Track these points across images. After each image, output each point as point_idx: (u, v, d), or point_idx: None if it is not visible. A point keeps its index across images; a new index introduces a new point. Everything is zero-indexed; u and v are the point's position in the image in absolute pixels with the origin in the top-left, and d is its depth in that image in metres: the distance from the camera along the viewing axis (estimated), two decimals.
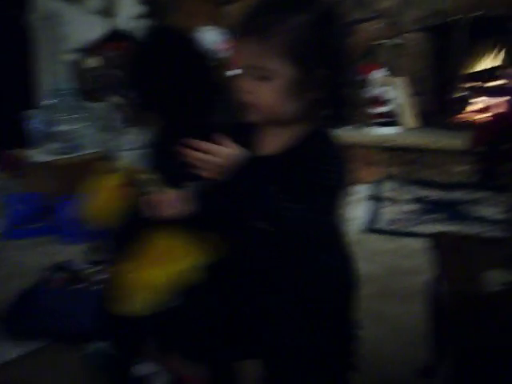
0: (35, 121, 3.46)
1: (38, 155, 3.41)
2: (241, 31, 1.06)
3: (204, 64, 1.48)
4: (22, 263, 2.65)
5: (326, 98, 1.06)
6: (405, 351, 1.89)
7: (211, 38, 4.17)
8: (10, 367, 1.81)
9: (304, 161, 1.05)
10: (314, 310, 1.16)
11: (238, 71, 1.07)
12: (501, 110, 3.80)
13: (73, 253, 2.69)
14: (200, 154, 0.99)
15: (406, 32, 4.29)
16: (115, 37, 3.97)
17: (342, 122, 1.15)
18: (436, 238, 1.73)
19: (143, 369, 1.70)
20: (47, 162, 3.32)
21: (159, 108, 1.50)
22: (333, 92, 1.06)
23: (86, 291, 2.25)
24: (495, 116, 3.67)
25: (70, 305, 2.06)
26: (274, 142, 1.11)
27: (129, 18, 4.28)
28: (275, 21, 1.01)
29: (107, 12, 4.25)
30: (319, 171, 1.04)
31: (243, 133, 1.15)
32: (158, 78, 1.44)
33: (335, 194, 1.10)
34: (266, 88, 1.04)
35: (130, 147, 3.52)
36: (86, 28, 4.02)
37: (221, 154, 1.00)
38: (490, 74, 4.22)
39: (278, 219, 1.04)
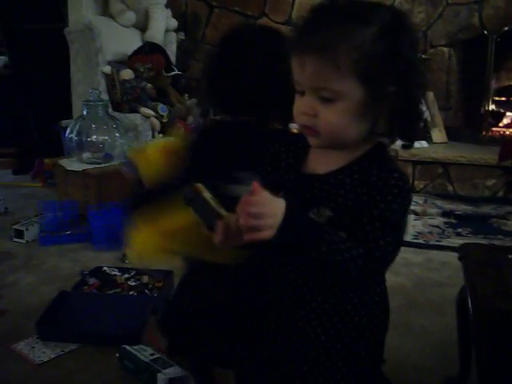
0: (70, 131, 3.54)
1: (72, 164, 3.48)
2: (299, 48, 0.93)
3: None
4: (54, 269, 2.71)
5: (394, 116, 0.95)
6: (432, 362, 1.89)
7: None
8: (46, 368, 1.86)
9: (363, 183, 0.94)
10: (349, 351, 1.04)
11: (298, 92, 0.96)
12: None
13: (104, 260, 2.76)
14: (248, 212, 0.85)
15: (435, 46, 4.31)
16: (148, 50, 4.05)
17: (409, 138, 1.01)
18: (463, 249, 1.73)
19: (171, 372, 1.74)
20: (80, 170, 3.38)
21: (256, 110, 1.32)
22: (402, 110, 0.94)
23: (119, 296, 2.31)
24: None
25: (104, 309, 2.10)
26: (329, 160, 1.00)
27: (161, 32, 4.37)
28: (339, 35, 0.90)
29: (141, 26, 4.34)
30: (385, 202, 0.92)
31: (297, 145, 1.05)
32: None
33: (400, 228, 0.96)
34: (331, 111, 0.93)
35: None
36: (120, 41, 4.12)
37: (268, 210, 0.87)
38: None
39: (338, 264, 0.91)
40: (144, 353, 1.81)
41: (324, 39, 0.90)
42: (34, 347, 1.97)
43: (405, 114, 0.95)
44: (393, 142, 0.99)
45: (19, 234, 3.10)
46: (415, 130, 1.00)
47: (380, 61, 0.90)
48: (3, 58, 5.14)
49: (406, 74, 0.92)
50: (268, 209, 0.86)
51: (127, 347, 1.84)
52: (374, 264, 0.92)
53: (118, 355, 1.84)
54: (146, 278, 2.39)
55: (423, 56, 4.25)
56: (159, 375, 1.70)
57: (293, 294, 1.03)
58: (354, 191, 0.95)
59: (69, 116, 4.21)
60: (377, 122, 0.96)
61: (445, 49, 4.33)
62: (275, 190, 0.93)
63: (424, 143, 4.01)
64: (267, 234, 0.86)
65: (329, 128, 0.94)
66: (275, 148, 1.09)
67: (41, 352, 1.94)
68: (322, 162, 1.01)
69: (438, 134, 4.18)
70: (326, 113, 0.93)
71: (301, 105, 0.96)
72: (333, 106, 0.92)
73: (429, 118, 4.13)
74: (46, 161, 4.33)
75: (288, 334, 1.05)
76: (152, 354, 1.81)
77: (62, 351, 1.94)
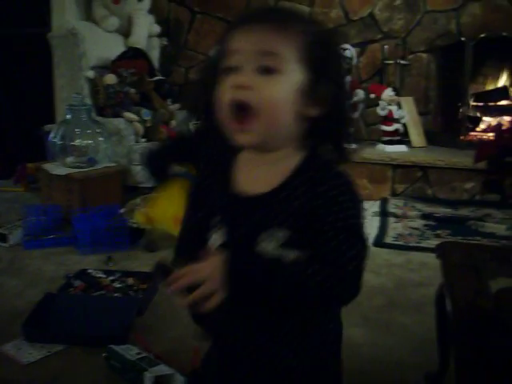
0: (53, 135, 3.55)
1: (55, 168, 3.49)
2: (249, 18, 0.89)
3: None
4: (39, 272, 2.71)
5: (329, 117, 0.89)
6: (412, 358, 1.93)
7: None
8: (33, 368, 1.87)
9: (312, 196, 0.86)
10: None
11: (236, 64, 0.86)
12: (505, 128, 3.88)
13: (88, 263, 2.77)
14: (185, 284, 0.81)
15: (415, 52, 4.39)
16: (131, 55, 4.08)
17: (343, 148, 0.95)
18: (441, 248, 1.77)
19: (157, 370, 1.75)
20: (64, 175, 3.39)
21: None
22: (337, 111, 0.90)
23: (105, 297, 2.33)
24: (497, 132, 3.76)
25: (90, 310, 2.12)
26: (262, 177, 0.91)
27: (144, 37, 4.39)
28: (294, 19, 0.89)
29: (124, 31, 4.36)
30: (339, 211, 0.86)
31: (222, 164, 0.96)
32: None
33: (362, 235, 0.89)
34: (272, 83, 0.84)
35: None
36: (104, 46, 4.13)
37: (205, 272, 0.81)
38: (497, 94, 4.30)
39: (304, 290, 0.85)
40: (130, 352, 1.83)
41: (277, 14, 0.91)
42: (20, 348, 1.98)
43: (335, 118, 0.91)
44: (320, 145, 0.93)
45: (2, 237, 3.10)
46: (344, 134, 0.95)
47: (323, 54, 0.87)
48: None
49: (339, 77, 0.91)
50: (202, 274, 0.81)
51: (114, 347, 1.86)
52: (349, 268, 0.85)
53: (104, 355, 1.86)
54: (130, 280, 2.42)
55: (402, 62, 4.33)
56: (146, 374, 1.71)
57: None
58: (304, 205, 0.86)
59: (51, 121, 4.22)
60: (314, 123, 0.90)
61: (424, 55, 4.40)
62: (209, 205, 0.93)
63: (402, 147, 4.07)
64: (216, 298, 0.80)
65: (270, 102, 0.84)
66: (208, 153, 1.03)
67: (27, 353, 1.95)
68: (254, 181, 0.92)
69: (418, 138, 4.25)
70: (267, 84, 0.84)
71: (233, 79, 0.85)
72: (274, 79, 0.84)
73: (408, 122, 4.19)
74: (29, 165, 4.33)
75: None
76: (138, 353, 1.83)
77: (49, 352, 1.95)
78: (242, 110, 0.84)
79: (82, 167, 3.47)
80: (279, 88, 0.84)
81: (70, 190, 3.36)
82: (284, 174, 0.89)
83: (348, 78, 4.12)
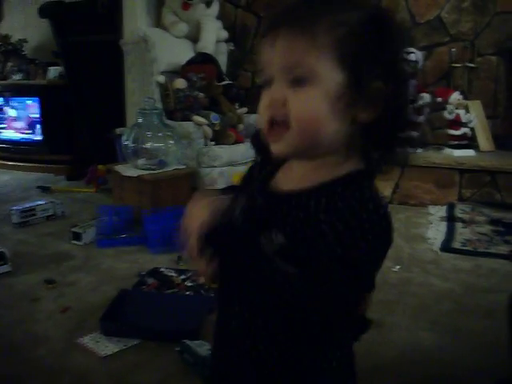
0: (125, 138, 3.68)
1: (127, 170, 3.62)
2: (272, 25, 0.79)
3: None
4: (112, 269, 2.82)
5: (381, 121, 0.78)
6: (482, 364, 1.91)
7: None
8: (110, 360, 1.96)
9: (328, 210, 0.76)
10: None
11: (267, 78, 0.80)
12: None
13: (159, 262, 2.87)
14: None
15: (483, 55, 4.31)
16: (200, 60, 4.18)
17: (398, 157, 0.84)
18: None
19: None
20: (135, 176, 3.51)
21: None
22: (392, 114, 0.78)
23: (178, 295, 2.41)
24: None
25: (163, 307, 2.20)
26: (297, 176, 0.84)
27: (212, 43, 4.49)
28: (321, 10, 0.77)
29: (192, 37, 4.47)
30: (342, 233, 0.74)
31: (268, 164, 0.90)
32: None
33: (358, 269, 0.76)
34: (303, 96, 0.76)
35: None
36: (173, 52, 4.25)
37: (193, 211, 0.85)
38: None
39: (268, 282, 0.76)
40: (203, 347, 1.89)
41: (302, 12, 0.77)
42: (98, 341, 2.07)
43: (389, 122, 0.79)
44: (371, 166, 0.82)
45: (77, 236, 3.24)
46: (400, 139, 0.82)
47: (366, 45, 0.76)
48: (59, 68, 5.36)
49: (392, 72, 0.78)
50: (193, 211, 0.84)
51: (187, 341, 1.93)
52: (327, 307, 0.77)
53: (177, 349, 1.93)
54: (202, 279, 2.49)
55: (470, 65, 4.26)
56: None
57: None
58: (316, 217, 0.76)
59: (121, 124, 4.37)
60: (363, 128, 0.79)
61: (492, 57, 4.32)
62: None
63: (469, 151, 4.01)
64: (194, 234, 0.81)
65: (300, 117, 0.77)
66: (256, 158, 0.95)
67: (104, 346, 2.04)
68: (289, 178, 0.85)
69: (486, 143, 4.17)
70: (297, 98, 0.77)
71: (266, 96, 0.80)
72: (306, 91, 0.76)
73: (476, 126, 4.12)
74: (100, 167, 4.50)
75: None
76: (210, 349, 1.89)
77: (125, 346, 2.04)
78: (276, 124, 0.79)
79: (152, 169, 3.58)
80: (312, 99, 0.76)
81: (141, 191, 3.47)
82: (318, 180, 0.80)
83: (413, 82, 4.10)
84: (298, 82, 0.76)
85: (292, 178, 0.84)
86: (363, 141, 0.80)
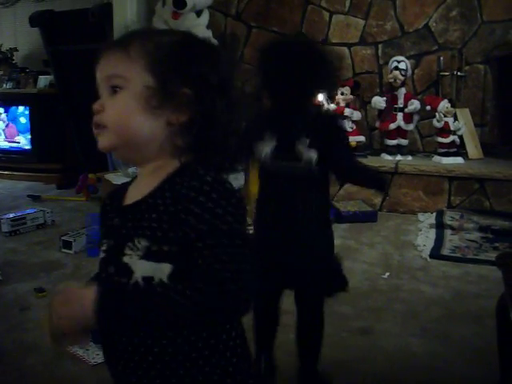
0: None
1: (118, 178, 3.62)
2: (102, 48, 0.93)
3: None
4: None
5: (190, 125, 0.87)
6: (472, 369, 1.94)
7: None
8: (100, 368, 1.95)
9: (176, 199, 0.83)
10: None
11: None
12: None
13: None
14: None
15: (471, 63, 4.36)
16: None
17: (213, 160, 0.90)
18: (502, 257, 1.77)
19: None
20: None
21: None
22: (200, 118, 0.87)
23: None
24: None
25: None
26: (141, 186, 0.91)
27: None
28: (140, 35, 0.91)
29: None
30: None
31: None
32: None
33: (240, 233, 0.83)
34: (116, 100, 0.88)
35: None
36: None
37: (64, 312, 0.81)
38: None
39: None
40: None
41: (123, 36, 0.91)
42: (88, 350, 2.07)
43: (198, 127, 0.87)
44: (201, 161, 0.89)
45: (67, 244, 3.24)
46: (215, 155, 0.90)
47: (171, 57, 0.87)
48: (49, 77, 5.36)
49: (200, 83, 0.87)
50: (63, 311, 0.81)
51: None
52: (230, 284, 0.77)
53: None
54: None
55: (458, 73, 4.31)
56: None
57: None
58: (168, 210, 0.83)
59: None
60: (176, 129, 0.88)
61: (480, 66, 4.37)
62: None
63: (458, 159, 4.05)
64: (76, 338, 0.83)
65: (112, 118, 0.88)
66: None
67: (95, 354, 2.04)
68: (135, 191, 0.92)
69: (474, 150, 4.21)
70: (111, 103, 0.88)
71: (94, 105, 0.91)
72: (120, 96, 0.88)
73: (464, 134, 4.16)
74: (90, 176, 4.50)
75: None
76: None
77: None
78: (99, 126, 0.90)
79: None
80: (123, 101, 0.88)
81: None
82: (155, 183, 0.87)
83: (403, 90, 4.14)
84: (115, 89, 0.88)
85: (138, 189, 0.91)
86: (182, 141, 0.89)
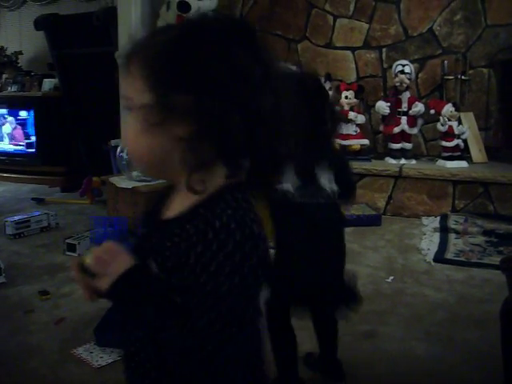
0: (120, 150, 3.68)
1: (122, 182, 3.62)
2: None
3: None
4: None
5: (200, 134, 0.76)
6: (475, 373, 1.93)
7: None
8: (105, 371, 1.96)
9: (185, 237, 0.78)
10: None
11: None
12: None
13: None
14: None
15: (475, 67, 4.36)
16: None
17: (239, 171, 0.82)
18: (507, 261, 1.77)
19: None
20: (130, 188, 3.51)
21: None
22: (208, 126, 0.76)
23: None
24: None
25: None
26: (175, 203, 0.85)
27: None
28: (139, 44, 0.81)
29: None
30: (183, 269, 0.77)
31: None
32: None
33: (228, 298, 0.77)
34: (128, 122, 0.81)
35: None
36: None
37: (109, 258, 0.80)
38: None
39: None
40: None
41: (127, 49, 0.82)
42: (92, 352, 2.08)
43: (209, 134, 0.77)
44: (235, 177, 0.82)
45: (71, 247, 3.24)
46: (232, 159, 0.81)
47: (166, 63, 0.76)
48: (54, 80, 5.38)
49: (199, 83, 0.76)
50: (108, 257, 0.80)
51: None
52: (189, 339, 0.77)
53: None
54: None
55: (462, 77, 4.31)
56: None
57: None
58: (178, 246, 0.78)
59: (116, 136, 4.37)
60: (182, 145, 0.78)
61: (484, 70, 4.37)
62: None
63: (462, 163, 4.04)
64: (101, 282, 0.79)
65: (125, 140, 0.85)
66: None
67: (99, 357, 2.05)
68: (171, 206, 0.87)
69: (478, 154, 4.21)
70: (127, 125, 0.82)
71: None
72: (128, 118, 0.81)
73: (468, 138, 4.15)
74: (94, 179, 4.50)
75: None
76: None
77: (119, 356, 2.03)
78: None
79: (147, 181, 3.58)
80: (130, 123, 0.81)
81: (135, 202, 3.48)
82: (186, 205, 0.81)
83: (407, 94, 4.14)
84: (128, 111, 0.81)
85: (172, 205, 0.86)
86: (193, 156, 0.78)
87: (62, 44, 5.05)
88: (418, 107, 4.10)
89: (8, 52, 6.00)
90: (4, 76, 5.82)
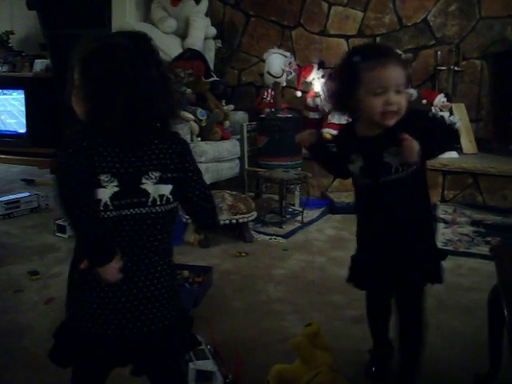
0: None
1: None
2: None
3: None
4: None
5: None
6: (462, 359, 1.96)
7: (277, 60, 4.35)
8: None
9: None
10: None
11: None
12: None
13: None
14: None
15: (468, 59, 4.37)
16: (189, 56, 4.18)
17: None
18: (496, 249, 1.79)
19: (201, 365, 1.74)
20: None
21: None
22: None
23: None
24: None
25: None
26: None
27: (201, 39, 4.50)
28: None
29: (181, 33, 4.48)
30: None
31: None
32: None
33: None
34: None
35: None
36: (161, 47, 4.23)
37: None
38: None
39: None
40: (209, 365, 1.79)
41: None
42: None
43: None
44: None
45: (61, 228, 3.24)
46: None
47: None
48: (45, 61, 5.34)
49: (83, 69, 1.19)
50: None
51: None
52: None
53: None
54: (186, 273, 2.50)
55: (455, 68, 4.32)
56: (190, 364, 1.73)
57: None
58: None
59: None
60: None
61: (477, 61, 4.38)
62: None
63: (452, 153, 4.06)
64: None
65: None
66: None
67: None
68: None
69: (469, 145, 4.23)
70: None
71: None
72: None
73: (459, 128, 4.17)
74: None
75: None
76: None
77: None
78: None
79: None
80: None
81: None
82: None
83: None
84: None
85: None
86: None
87: (54, 24, 5.01)
88: (410, 92, 4.10)
89: None
90: None
